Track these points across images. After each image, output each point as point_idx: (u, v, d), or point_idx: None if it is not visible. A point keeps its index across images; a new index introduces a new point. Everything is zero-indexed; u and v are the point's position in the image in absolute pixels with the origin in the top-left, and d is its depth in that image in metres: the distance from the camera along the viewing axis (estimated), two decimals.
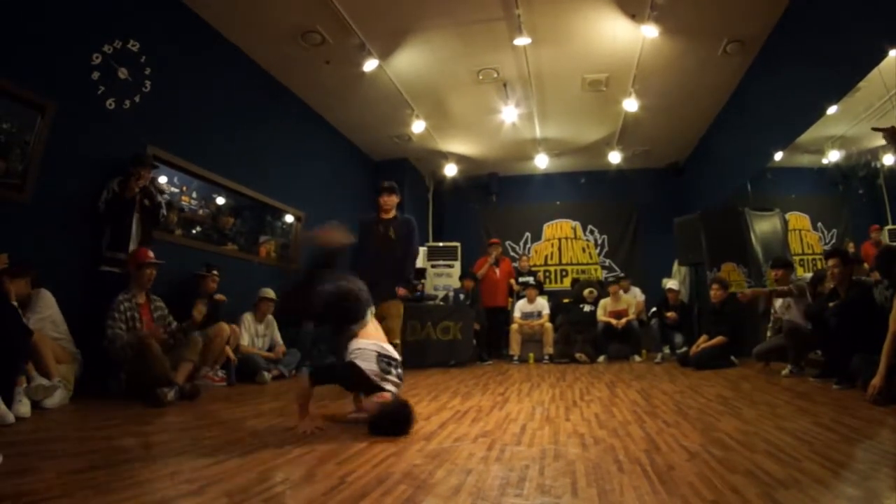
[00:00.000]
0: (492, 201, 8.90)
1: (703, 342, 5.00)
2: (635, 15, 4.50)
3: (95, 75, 3.54)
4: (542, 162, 7.73)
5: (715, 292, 5.09)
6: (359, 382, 2.29)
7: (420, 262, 6.94)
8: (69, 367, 2.89)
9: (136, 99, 3.85)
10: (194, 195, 5.33)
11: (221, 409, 2.85)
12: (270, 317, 4.68)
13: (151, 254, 3.40)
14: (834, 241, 5.39)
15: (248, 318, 4.49)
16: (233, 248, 5.17)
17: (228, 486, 1.43)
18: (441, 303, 6.52)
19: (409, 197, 7.98)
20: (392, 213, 4.02)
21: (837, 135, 4.80)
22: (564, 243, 8.76)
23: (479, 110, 6.41)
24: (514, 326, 6.47)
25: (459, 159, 8.06)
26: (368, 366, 2.25)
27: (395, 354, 2.44)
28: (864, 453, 1.73)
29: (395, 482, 1.48)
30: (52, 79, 3.24)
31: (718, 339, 4.85)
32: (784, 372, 3.97)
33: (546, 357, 6.20)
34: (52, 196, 3.22)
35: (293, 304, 2.72)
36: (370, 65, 5.11)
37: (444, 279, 7.90)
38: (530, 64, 5.30)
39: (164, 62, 4.04)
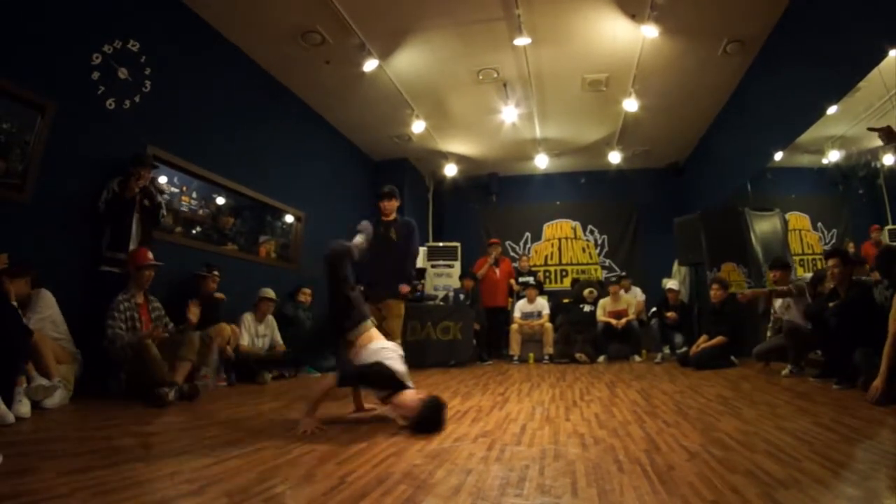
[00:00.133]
0: (492, 201, 8.90)
1: (703, 342, 5.00)
2: (635, 15, 4.50)
3: (95, 75, 3.54)
4: (542, 162, 7.73)
5: (715, 292, 5.09)
6: (388, 383, 2.29)
7: (420, 262, 6.94)
8: (69, 368, 2.89)
9: (136, 99, 3.85)
10: (194, 195, 5.33)
11: (221, 409, 2.85)
12: (270, 317, 4.68)
13: (150, 255, 3.41)
14: (834, 241, 5.39)
15: (248, 318, 4.49)
16: (233, 248, 5.17)
17: (228, 486, 1.43)
18: (441, 303, 6.52)
19: (409, 197, 7.99)
20: (392, 216, 4.15)
21: (837, 135, 4.80)
22: (564, 243, 8.76)
23: (479, 110, 6.41)
24: (514, 326, 6.47)
25: (459, 159, 8.06)
26: (397, 366, 2.32)
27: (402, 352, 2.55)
28: (864, 453, 1.73)
29: (395, 482, 1.48)
30: (52, 79, 3.24)
31: (718, 339, 4.85)
32: (784, 372, 3.97)
33: (546, 357, 6.20)
34: (52, 196, 3.22)
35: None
36: (370, 65, 5.11)
37: (444, 279, 7.90)
38: (530, 64, 5.30)
39: (164, 62, 4.04)
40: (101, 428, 2.23)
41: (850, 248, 4.87)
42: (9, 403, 2.24)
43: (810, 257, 5.63)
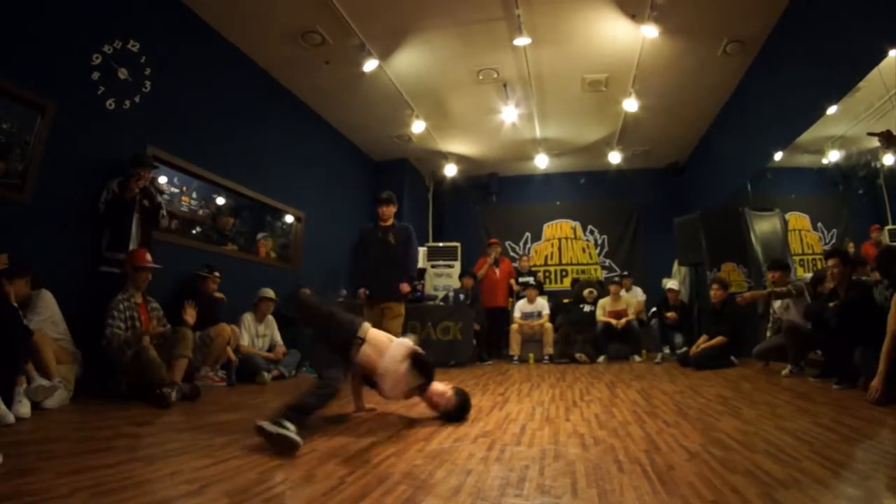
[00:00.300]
0: (492, 201, 8.91)
1: (703, 342, 5.00)
2: (635, 15, 4.50)
3: (95, 75, 3.54)
4: (542, 162, 7.73)
5: (715, 292, 5.09)
6: (432, 373, 2.47)
7: (420, 262, 6.94)
8: (69, 368, 2.89)
9: (136, 99, 3.85)
10: (194, 195, 5.34)
11: (221, 409, 2.85)
12: (270, 317, 4.68)
13: (149, 257, 3.40)
14: (834, 241, 5.39)
15: (248, 318, 4.49)
16: (233, 248, 5.17)
17: (228, 486, 1.43)
18: (441, 303, 6.52)
19: (409, 197, 8.00)
20: (390, 221, 4.33)
21: (837, 135, 4.79)
22: (564, 243, 8.76)
23: (479, 110, 6.41)
24: (514, 326, 6.47)
25: (459, 159, 8.06)
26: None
27: None
28: (864, 453, 1.73)
29: (395, 482, 1.48)
30: (52, 79, 3.24)
31: (718, 339, 4.85)
32: (784, 372, 3.97)
33: (546, 357, 6.20)
34: (52, 196, 3.22)
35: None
36: (370, 65, 5.11)
37: (444, 279, 7.90)
38: (530, 64, 5.30)
39: (164, 62, 4.04)
40: (101, 428, 2.23)
41: (850, 248, 4.87)
42: (9, 404, 2.24)
43: (810, 257, 5.62)
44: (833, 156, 5.05)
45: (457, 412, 2.44)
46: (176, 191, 5.02)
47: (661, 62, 5.22)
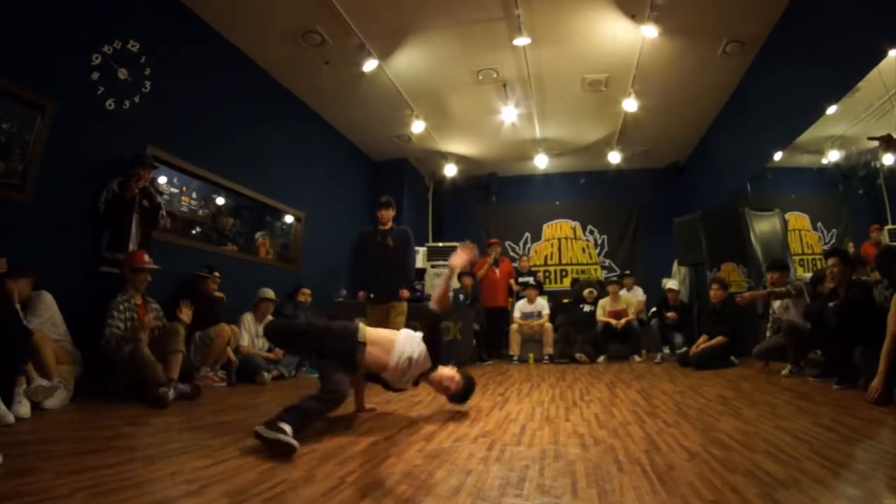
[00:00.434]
0: (492, 201, 8.90)
1: (702, 342, 5.00)
2: (635, 15, 4.50)
3: (95, 75, 3.54)
4: (541, 162, 7.72)
5: (715, 292, 5.09)
6: (440, 356, 2.59)
7: (420, 262, 6.95)
8: (69, 368, 2.89)
9: (136, 99, 3.85)
10: (194, 195, 5.34)
11: (221, 409, 2.85)
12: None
13: (147, 258, 3.40)
14: (834, 241, 5.39)
15: (248, 318, 4.49)
16: (232, 248, 5.17)
17: (228, 486, 1.43)
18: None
19: (408, 197, 8.00)
20: (389, 225, 4.42)
21: (837, 135, 4.80)
22: (564, 243, 8.76)
23: (479, 110, 6.41)
24: (514, 326, 6.47)
25: (459, 159, 8.06)
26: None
27: None
28: (864, 453, 1.73)
29: (395, 482, 1.48)
30: (52, 79, 3.24)
31: (718, 339, 4.85)
32: (784, 372, 3.97)
33: (546, 357, 6.20)
34: (52, 196, 3.22)
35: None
36: (370, 65, 5.11)
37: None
38: (530, 64, 5.30)
39: (164, 62, 4.04)
40: (101, 428, 2.23)
41: (850, 248, 4.87)
42: (9, 404, 2.24)
43: (810, 257, 5.63)
44: (833, 156, 5.05)
45: (465, 392, 2.64)
46: (176, 191, 5.01)
47: (661, 62, 5.22)
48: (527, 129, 6.93)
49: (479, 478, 1.51)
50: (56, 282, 3.05)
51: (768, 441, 1.85)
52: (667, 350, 5.94)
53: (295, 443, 1.80)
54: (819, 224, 5.65)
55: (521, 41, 4.74)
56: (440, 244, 8.35)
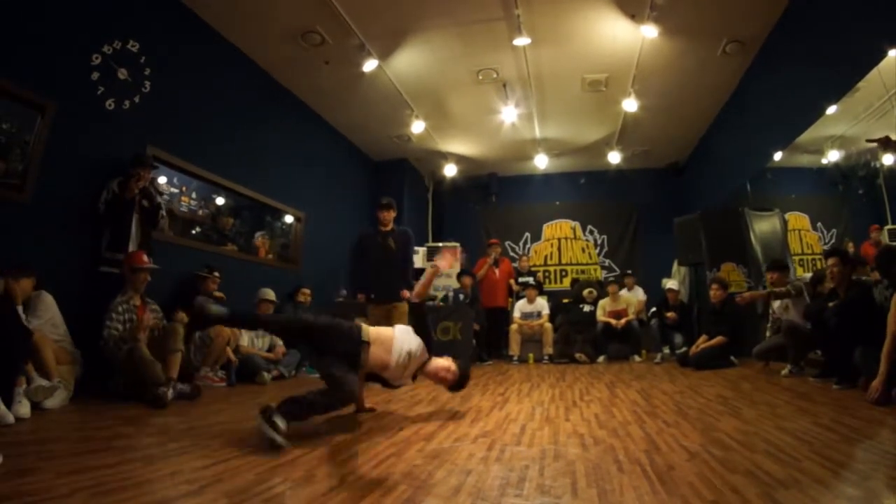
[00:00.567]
0: (491, 201, 8.90)
1: (702, 342, 5.00)
2: (635, 15, 4.50)
3: (95, 75, 3.54)
4: (541, 162, 7.72)
5: (715, 292, 5.09)
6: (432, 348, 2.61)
7: (419, 261, 6.95)
8: (69, 368, 2.89)
9: (136, 99, 3.85)
10: (194, 195, 5.34)
11: (221, 409, 2.85)
12: None
13: (146, 258, 3.40)
14: (833, 241, 5.39)
15: None
16: (232, 248, 5.17)
17: (228, 486, 1.43)
18: (441, 303, 6.52)
19: (408, 197, 8.00)
20: (390, 226, 4.43)
21: (837, 135, 4.80)
22: (564, 243, 8.76)
23: (479, 110, 6.41)
24: (514, 326, 6.47)
25: (459, 159, 8.06)
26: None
27: None
28: (864, 453, 1.73)
29: (395, 482, 1.48)
30: (52, 79, 3.24)
31: (718, 339, 4.85)
32: (784, 372, 3.97)
33: (546, 357, 6.20)
34: (52, 196, 3.22)
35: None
36: (370, 65, 5.11)
37: (443, 279, 7.87)
38: (530, 64, 5.30)
39: (163, 62, 4.04)
40: (100, 428, 2.23)
41: (850, 248, 4.88)
42: (9, 404, 2.24)
43: (810, 257, 5.63)
44: (833, 156, 5.05)
45: (462, 381, 2.64)
46: (175, 191, 5.02)
47: (660, 62, 5.22)
48: (527, 129, 6.92)
49: (479, 478, 1.51)
50: (56, 282, 3.05)
51: (768, 441, 1.85)
52: (667, 350, 5.94)
53: (285, 443, 1.84)
54: (819, 224, 5.65)
55: (521, 41, 4.74)
56: (440, 244, 8.36)
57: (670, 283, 6.24)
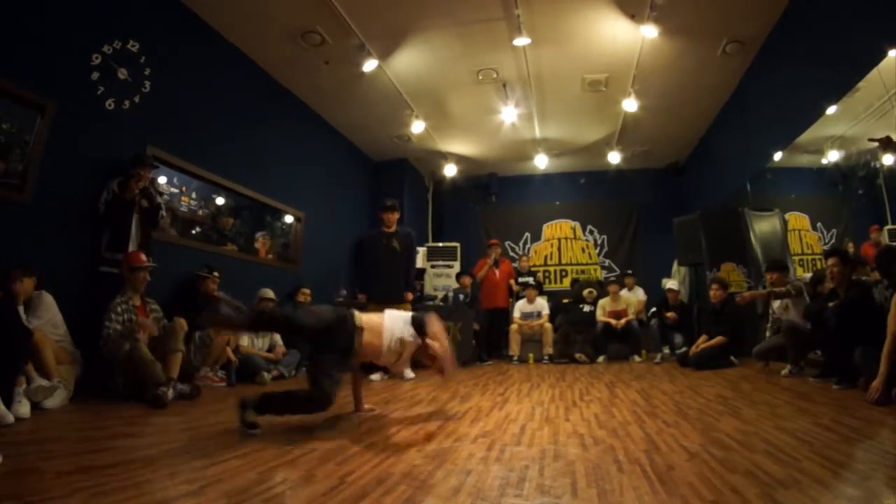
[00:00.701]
0: (491, 201, 8.90)
1: (702, 342, 5.00)
2: (635, 15, 4.50)
3: (95, 75, 3.54)
4: (541, 162, 7.72)
5: (714, 292, 5.09)
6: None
7: (419, 262, 6.96)
8: (69, 368, 2.89)
9: (136, 99, 3.85)
10: (194, 195, 5.34)
11: (221, 409, 2.85)
12: None
13: (144, 257, 3.40)
14: (833, 241, 5.39)
15: None
16: (232, 248, 5.17)
17: (228, 486, 1.43)
18: (441, 303, 6.52)
19: (408, 197, 8.00)
20: (394, 228, 4.49)
21: (837, 135, 4.80)
22: (564, 243, 8.76)
23: (479, 110, 6.41)
24: (514, 327, 6.47)
25: (459, 159, 8.06)
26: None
27: None
28: (864, 453, 1.73)
29: (395, 482, 1.48)
30: (52, 79, 3.24)
31: (718, 339, 4.85)
32: (784, 372, 3.97)
33: (546, 357, 6.20)
34: (52, 196, 3.22)
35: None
36: (370, 65, 5.11)
37: (443, 279, 7.90)
38: (530, 64, 5.30)
39: (163, 62, 4.04)
40: (100, 428, 2.23)
41: (850, 248, 4.88)
42: (8, 404, 2.24)
43: (810, 257, 5.63)
44: (833, 156, 5.05)
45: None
46: (176, 191, 5.02)
47: (660, 62, 5.22)
48: (527, 129, 6.92)
49: (479, 478, 1.51)
50: (56, 282, 3.05)
51: (768, 441, 1.85)
52: (667, 350, 5.94)
53: (250, 432, 2.07)
54: (819, 224, 5.65)
55: (521, 41, 4.74)
56: (440, 244, 8.37)
57: (670, 284, 6.24)
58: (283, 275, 5.62)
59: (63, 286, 3.11)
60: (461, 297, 6.48)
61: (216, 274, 4.24)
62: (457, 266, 7.92)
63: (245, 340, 4.35)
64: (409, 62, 5.34)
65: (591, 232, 8.71)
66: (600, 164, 8.03)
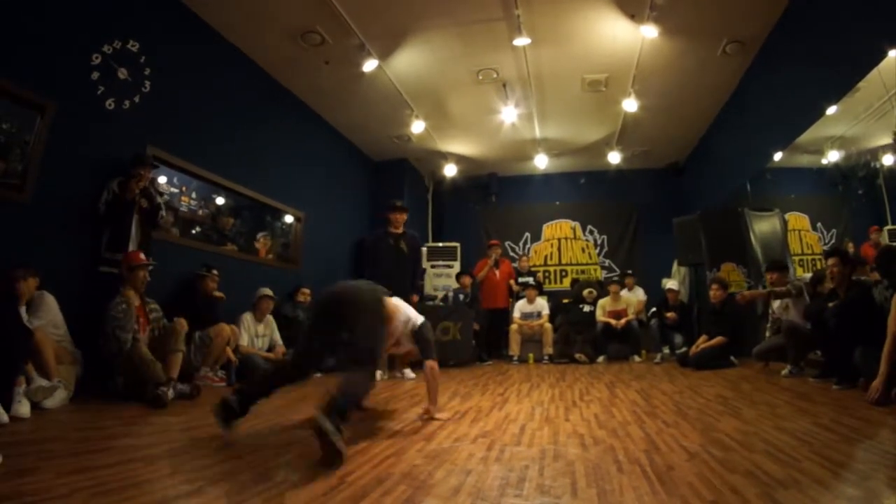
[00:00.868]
0: (491, 201, 8.90)
1: (702, 342, 5.00)
2: (635, 15, 4.50)
3: (95, 75, 3.54)
4: (541, 162, 7.72)
5: (714, 292, 5.09)
6: None
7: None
8: (69, 368, 2.89)
9: (136, 99, 3.84)
10: (194, 195, 5.34)
11: None
12: (270, 317, 4.68)
13: (143, 256, 3.40)
14: (833, 241, 5.39)
15: (247, 318, 4.49)
16: (232, 248, 5.17)
17: (228, 486, 1.43)
18: (441, 303, 6.52)
19: (408, 197, 7.99)
20: (401, 229, 4.52)
21: (837, 135, 4.80)
22: (564, 243, 8.76)
23: (479, 110, 6.40)
24: (514, 327, 6.47)
25: (459, 159, 8.06)
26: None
27: None
28: (864, 453, 1.73)
29: (395, 482, 1.48)
30: (52, 79, 3.24)
31: (718, 339, 4.85)
32: (784, 372, 3.97)
33: (546, 357, 6.20)
34: (52, 196, 3.22)
35: None
36: (370, 65, 5.11)
37: (443, 279, 7.91)
38: (530, 64, 5.30)
39: (163, 62, 4.04)
40: (101, 428, 2.23)
41: (850, 248, 4.87)
42: (8, 404, 2.24)
43: (810, 257, 5.63)
44: (833, 156, 5.05)
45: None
46: (176, 191, 5.02)
47: (660, 62, 5.22)
48: (527, 129, 6.92)
49: (479, 478, 1.52)
50: (56, 282, 3.05)
51: (768, 441, 1.85)
52: (666, 350, 5.94)
53: (225, 429, 2.02)
54: (819, 224, 5.65)
55: (521, 41, 4.74)
56: (440, 244, 8.37)
57: (670, 284, 6.24)
58: (283, 275, 5.62)
59: (63, 286, 3.11)
60: (461, 297, 6.49)
61: (215, 272, 4.24)
62: (457, 266, 7.92)
63: (245, 340, 4.35)
64: (409, 62, 5.34)
65: (591, 232, 8.71)
66: (600, 164, 8.02)
